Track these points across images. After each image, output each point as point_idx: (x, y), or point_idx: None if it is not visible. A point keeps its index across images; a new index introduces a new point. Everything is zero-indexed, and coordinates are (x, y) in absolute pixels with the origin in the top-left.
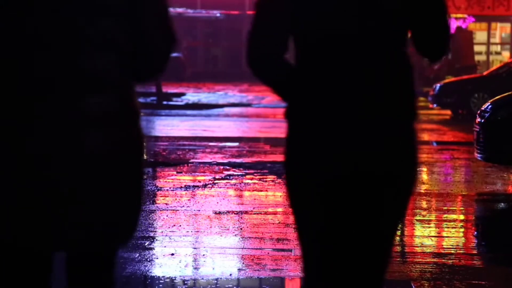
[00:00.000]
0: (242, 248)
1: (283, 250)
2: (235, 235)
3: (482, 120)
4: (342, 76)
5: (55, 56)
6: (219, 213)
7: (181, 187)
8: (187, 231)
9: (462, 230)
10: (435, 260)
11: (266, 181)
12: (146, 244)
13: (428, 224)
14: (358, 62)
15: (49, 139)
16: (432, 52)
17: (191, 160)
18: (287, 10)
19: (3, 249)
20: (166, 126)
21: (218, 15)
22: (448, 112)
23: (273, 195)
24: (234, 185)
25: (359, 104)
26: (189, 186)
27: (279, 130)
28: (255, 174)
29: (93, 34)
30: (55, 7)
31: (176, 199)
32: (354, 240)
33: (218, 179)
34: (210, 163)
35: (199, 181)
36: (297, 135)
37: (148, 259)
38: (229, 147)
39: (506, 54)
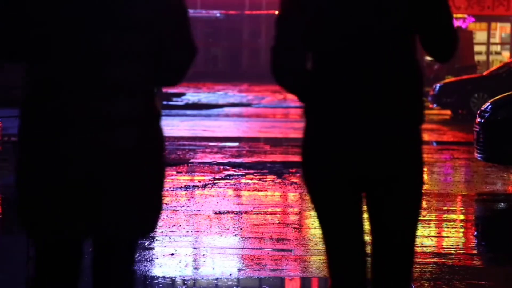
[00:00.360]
0: (242, 248)
1: (283, 250)
2: (235, 235)
3: (482, 120)
4: (352, 79)
5: (87, 65)
6: (219, 213)
7: (181, 187)
8: (187, 231)
9: (462, 230)
10: (435, 260)
11: (266, 181)
12: (146, 244)
13: (428, 224)
14: (368, 66)
15: (82, 137)
16: (440, 53)
17: (191, 160)
18: (302, 21)
19: (45, 237)
20: (166, 126)
21: (218, 15)
22: (448, 112)
23: (273, 195)
24: (234, 185)
25: (368, 105)
26: (189, 186)
27: (279, 130)
28: (255, 174)
29: (119, 47)
30: (85, 24)
31: (176, 199)
32: (384, 225)
33: (218, 179)
34: (210, 163)
35: (199, 181)
36: (312, 134)
37: (148, 259)
38: (229, 147)
39: (506, 54)
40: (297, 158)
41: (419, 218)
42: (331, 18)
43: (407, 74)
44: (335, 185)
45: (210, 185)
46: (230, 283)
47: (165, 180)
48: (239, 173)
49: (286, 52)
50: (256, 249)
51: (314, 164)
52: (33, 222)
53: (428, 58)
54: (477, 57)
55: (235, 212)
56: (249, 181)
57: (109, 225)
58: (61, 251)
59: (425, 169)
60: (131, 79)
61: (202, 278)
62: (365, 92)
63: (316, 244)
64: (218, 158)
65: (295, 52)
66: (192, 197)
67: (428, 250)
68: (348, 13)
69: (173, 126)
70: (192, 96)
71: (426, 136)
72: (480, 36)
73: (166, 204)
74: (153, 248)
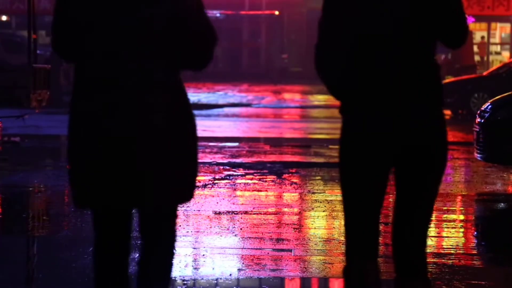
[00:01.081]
0: (242, 248)
1: (283, 250)
2: (235, 235)
3: (482, 120)
4: (385, 75)
5: (126, 63)
6: (219, 213)
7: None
8: (187, 231)
9: (462, 230)
10: (435, 260)
11: (266, 181)
12: None
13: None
14: (398, 63)
15: (125, 121)
16: (452, 37)
17: None
18: (344, 25)
19: (100, 208)
20: None
21: (218, 15)
22: (448, 112)
23: (273, 195)
24: (234, 185)
25: (401, 94)
26: None
27: (279, 130)
28: (255, 174)
29: (152, 46)
30: (124, 29)
31: None
32: (408, 198)
33: (218, 179)
34: (210, 163)
35: (199, 181)
36: (350, 126)
37: None
38: (229, 147)
39: (506, 54)
40: (297, 158)
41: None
42: (370, 24)
43: (429, 66)
44: (373, 164)
45: (210, 185)
46: (230, 283)
47: (198, 157)
48: (239, 173)
49: (332, 53)
50: (256, 249)
51: (358, 146)
52: (85, 196)
53: None
54: (477, 57)
55: (235, 212)
56: (249, 181)
57: (152, 196)
58: (112, 219)
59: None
60: (161, 72)
61: (202, 278)
62: (398, 84)
63: (316, 244)
64: (218, 158)
65: (340, 53)
66: None
67: (428, 250)
68: (385, 20)
69: None
70: (192, 96)
71: None
72: (480, 36)
73: None
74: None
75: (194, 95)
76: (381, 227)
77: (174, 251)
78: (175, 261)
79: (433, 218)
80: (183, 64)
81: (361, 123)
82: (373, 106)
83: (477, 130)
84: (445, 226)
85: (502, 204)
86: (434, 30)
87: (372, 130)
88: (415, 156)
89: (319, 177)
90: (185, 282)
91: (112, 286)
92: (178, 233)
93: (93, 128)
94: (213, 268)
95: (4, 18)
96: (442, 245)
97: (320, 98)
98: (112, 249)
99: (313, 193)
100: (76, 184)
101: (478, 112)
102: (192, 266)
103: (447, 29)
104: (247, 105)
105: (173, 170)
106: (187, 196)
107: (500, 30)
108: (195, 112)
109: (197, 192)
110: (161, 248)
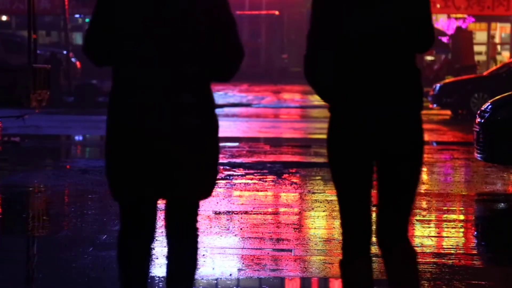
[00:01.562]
0: (242, 248)
1: (283, 250)
2: (235, 235)
3: (482, 120)
4: (368, 78)
5: (160, 67)
6: (219, 213)
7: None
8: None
9: (462, 230)
10: (435, 260)
11: (266, 181)
12: None
13: (428, 224)
14: (380, 67)
15: (157, 120)
16: (419, 44)
17: None
18: (330, 36)
19: (128, 198)
20: None
21: None
22: (448, 112)
23: (273, 195)
24: (234, 185)
25: (380, 96)
26: None
27: (279, 130)
28: (255, 174)
29: (184, 53)
30: (159, 37)
31: None
32: (392, 187)
33: (218, 179)
34: None
35: None
36: (336, 124)
37: None
38: (229, 147)
39: (506, 54)
40: (297, 158)
41: (419, 182)
42: (352, 29)
43: (409, 70)
44: (356, 159)
45: None
46: (230, 283)
47: (219, 157)
48: (239, 173)
49: (320, 61)
50: (256, 249)
51: (341, 143)
52: (119, 187)
53: (428, 58)
54: (477, 57)
55: (235, 212)
56: (249, 181)
57: (180, 189)
58: (141, 210)
59: (425, 169)
60: (193, 77)
61: (202, 278)
62: (378, 87)
63: (316, 244)
64: None
65: (328, 61)
66: None
67: (428, 250)
68: (365, 22)
69: None
70: None
71: (426, 136)
72: (480, 36)
73: None
74: (153, 248)
75: None
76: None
77: (197, 240)
78: None
79: (433, 218)
80: (212, 74)
81: (346, 122)
82: (357, 106)
83: (477, 130)
84: (445, 226)
85: (502, 204)
86: (408, 36)
87: (356, 128)
88: (396, 150)
89: (319, 177)
90: None
91: (136, 271)
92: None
93: (129, 127)
94: (213, 268)
95: (4, 18)
96: (442, 245)
97: (320, 98)
98: (138, 238)
99: (313, 193)
100: (113, 178)
101: (478, 112)
102: None
103: (416, 36)
104: (247, 105)
105: (199, 167)
106: (208, 192)
107: (500, 30)
108: None
109: None
110: (189, 232)
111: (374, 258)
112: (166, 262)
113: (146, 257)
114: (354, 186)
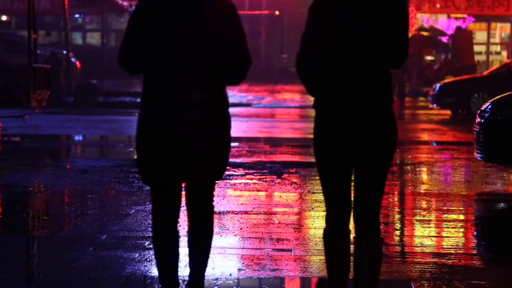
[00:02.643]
0: (242, 248)
1: (283, 250)
2: (235, 235)
3: (482, 120)
4: (346, 80)
5: (181, 72)
6: (219, 213)
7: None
8: (187, 231)
9: (462, 230)
10: (435, 260)
11: (266, 181)
12: (146, 244)
13: (428, 224)
14: (359, 72)
15: (176, 115)
16: (393, 61)
17: None
18: (320, 40)
19: (159, 181)
20: None
21: None
22: (448, 112)
23: (273, 195)
24: (234, 185)
25: (357, 99)
26: None
27: (279, 130)
28: (255, 174)
29: (200, 59)
30: (180, 47)
31: None
32: (365, 179)
33: None
34: None
35: None
36: (320, 119)
37: (148, 259)
38: None
39: (506, 54)
40: (297, 158)
41: (387, 178)
42: (337, 40)
43: (383, 75)
44: (336, 156)
45: None
46: (230, 283)
47: (230, 146)
48: (239, 173)
49: (311, 61)
50: (256, 249)
51: (323, 143)
52: (148, 173)
53: (428, 58)
54: (477, 57)
55: (235, 212)
56: (249, 181)
57: (199, 174)
58: (168, 191)
59: (425, 169)
60: (207, 80)
61: None
62: (356, 90)
63: (316, 244)
64: None
65: (318, 61)
66: None
67: (428, 250)
68: (347, 36)
69: None
70: None
71: (426, 136)
72: (480, 36)
73: None
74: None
75: None
76: (382, 227)
77: (213, 215)
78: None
79: (433, 218)
80: (225, 78)
81: (329, 117)
82: (338, 103)
83: (477, 130)
84: (445, 226)
85: (502, 204)
86: (384, 49)
87: (337, 123)
88: (371, 143)
89: (319, 177)
90: (185, 282)
91: (167, 239)
92: (178, 233)
93: (157, 124)
94: (213, 268)
95: (4, 18)
96: (442, 245)
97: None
98: (168, 213)
99: (313, 193)
100: (144, 166)
101: (478, 112)
102: None
103: (390, 52)
104: (247, 105)
105: (212, 154)
106: (220, 175)
107: (500, 30)
108: None
109: None
110: (206, 210)
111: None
112: (188, 235)
113: (175, 234)
114: (334, 172)
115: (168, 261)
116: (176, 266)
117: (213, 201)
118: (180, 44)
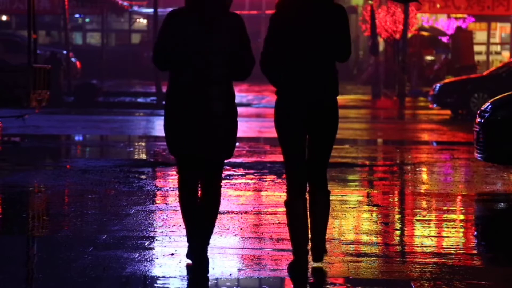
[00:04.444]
0: (242, 248)
1: (283, 250)
2: (235, 235)
3: (482, 120)
4: (302, 73)
5: (201, 71)
6: (219, 213)
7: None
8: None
9: (462, 230)
10: (435, 260)
11: (266, 181)
12: (146, 244)
13: (428, 224)
14: (310, 66)
15: (199, 106)
16: (339, 55)
17: None
18: (281, 38)
19: (182, 154)
20: None
21: None
22: (448, 112)
23: (273, 195)
24: (234, 185)
25: (309, 86)
26: None
27: None
28: (255, 174)
29: (216, 61)
30: (200, 51)
31: (176, 199)
32: (315, 146)
33: None
34: None
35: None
36: (281, 102)
37: (148, 259)
38: None
39: (506, 54)
40: None
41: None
42: (293, 44)
43: (330, 69)
44: (294, 124)
45: None
46: (230, 283)
47: (237, 131)
48: (239, 173)
49: (273, 58)
50: (256, 249)
51: (284, 115)
52: (176, 147)
53: (428, 58)
54: (477, 57)
55: (235, 212)
56: (249, 181)
57: (212, 150)
58: (191, 161)
59: (425, 169)
60: (221, 77)
61: None
62: (309, 81)
63: None
64: None
65: (279, 58)
66: None
67: (428, 250)
68: (302, 40)
69: None
70: None
71: (426, 136)
72: (480, 36)
73: (166, 204)
74: (153, 248)
75: None
76: (380, 227)
77: (221, 186)
78: (175, 262)
79: (433, 218)
80: (233, 75)
81: (286, 101)
82: (294, 91)
83: (477, 130)
84: (445, 226)
85: (502, 204)
86: (331, 50)
87: (292, 106)
88: (319, 121)
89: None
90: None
91: (192, 201)
92: (178, 233)
93: (182, 111)
94: (213, 268)
95: (4, 18)
96: (442, 245)
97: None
98: (191, 180)
99: None
100: (172, 143)
101: (478, 112)
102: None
103: (336, 50)
104: (247, 105)
105: (226, 138)
106: (230, 154)
107: (500, 30)
108: None
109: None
110: (215, 183)
111: (374, 258)
112: (201, 203)
113: (196, 193)
114: (292, 144)
115: (190, 214)
116: (196, 219)
117: (221, 181)
118: (199, 50)
